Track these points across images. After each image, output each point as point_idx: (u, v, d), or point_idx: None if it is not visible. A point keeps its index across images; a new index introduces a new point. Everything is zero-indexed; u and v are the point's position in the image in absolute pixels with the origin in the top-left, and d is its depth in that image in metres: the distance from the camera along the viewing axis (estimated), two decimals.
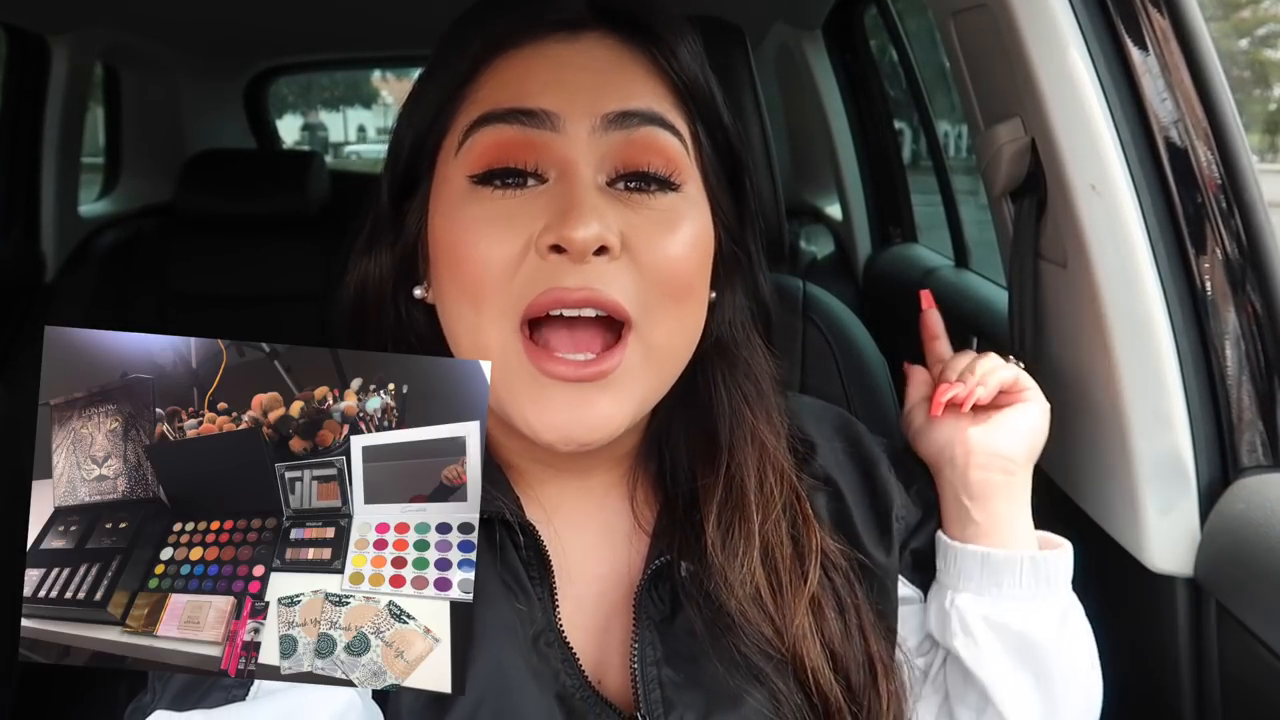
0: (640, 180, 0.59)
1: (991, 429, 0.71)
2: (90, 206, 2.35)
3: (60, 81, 1.99)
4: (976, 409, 0.71)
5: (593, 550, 0.67)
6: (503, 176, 0.58)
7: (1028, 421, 0.72)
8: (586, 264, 0.56)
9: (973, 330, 1.48)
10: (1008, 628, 0.67)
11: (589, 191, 0.57)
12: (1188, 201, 0.86)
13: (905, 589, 0.73)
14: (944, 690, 0.73)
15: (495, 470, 0.65)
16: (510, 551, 0.63)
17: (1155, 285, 0.86)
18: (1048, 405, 0.73)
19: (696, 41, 0.64)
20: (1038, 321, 1.01)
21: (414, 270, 0.65)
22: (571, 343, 0.58)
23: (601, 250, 0.56)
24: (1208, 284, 0.86)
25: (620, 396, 0.58)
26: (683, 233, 0.59)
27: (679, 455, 0.68)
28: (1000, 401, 0.72)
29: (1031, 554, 0.68)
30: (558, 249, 0.56)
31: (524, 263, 0.57)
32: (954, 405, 0.71)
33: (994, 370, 0.72)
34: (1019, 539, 0.70)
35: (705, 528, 0.65)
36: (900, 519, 0.72)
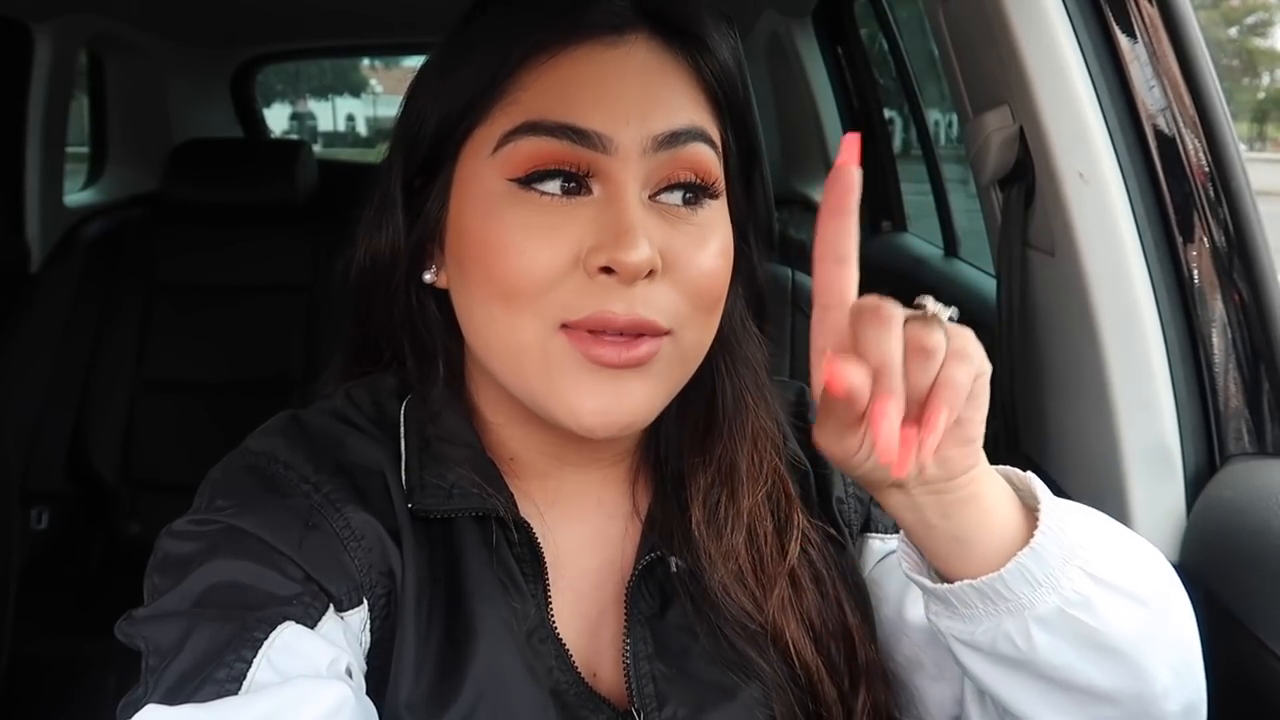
0: (678, 188, 0.59)
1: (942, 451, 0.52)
2: (76, 196, 2.33)
3: (44, 70, 1.97)
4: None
5: (588, 542, 0.68)
6: (548, 180, 0.58)
7: (980, 416, 0.53)
8: (633, 288, 0.56)
9: (960, 319, 1.49)
10: (977, 647, 0.57)
11: (638, 210, 0.57)
12: (1175, 190, 0.86)
13: (889, 541, 0.71)
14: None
15: (489, 465, 0.64)
16: (504, 548, 0.63)
17: (1143, 273, 0.86)
18: (987, 368, 0.52)
19: (734, 38, 0.64)
20: (1026, 310, 1.01)
21: (423, 254, 0.64)
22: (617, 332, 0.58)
23: (648, 273, 0.56)
24: (1195, 272, 0.86)
25: (653, 384, 0.59)
26: (714, 246, 0.60)
27: (671, 438, 0.69)
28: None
29: (973, 584, 0.55)
30: (608, 270, 0.56)
31: (569, 277, 0.57)
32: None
33: (951, 378, 0.48)
34: (997, 539, 0.55)
35: (691, 505, 0.65)
36: (848, 498, 0.71)
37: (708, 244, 0.59)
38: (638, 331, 0.57)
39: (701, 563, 0.64)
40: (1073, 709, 0.58)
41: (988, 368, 0.52)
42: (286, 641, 0.52)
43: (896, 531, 0.69)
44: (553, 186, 0.57)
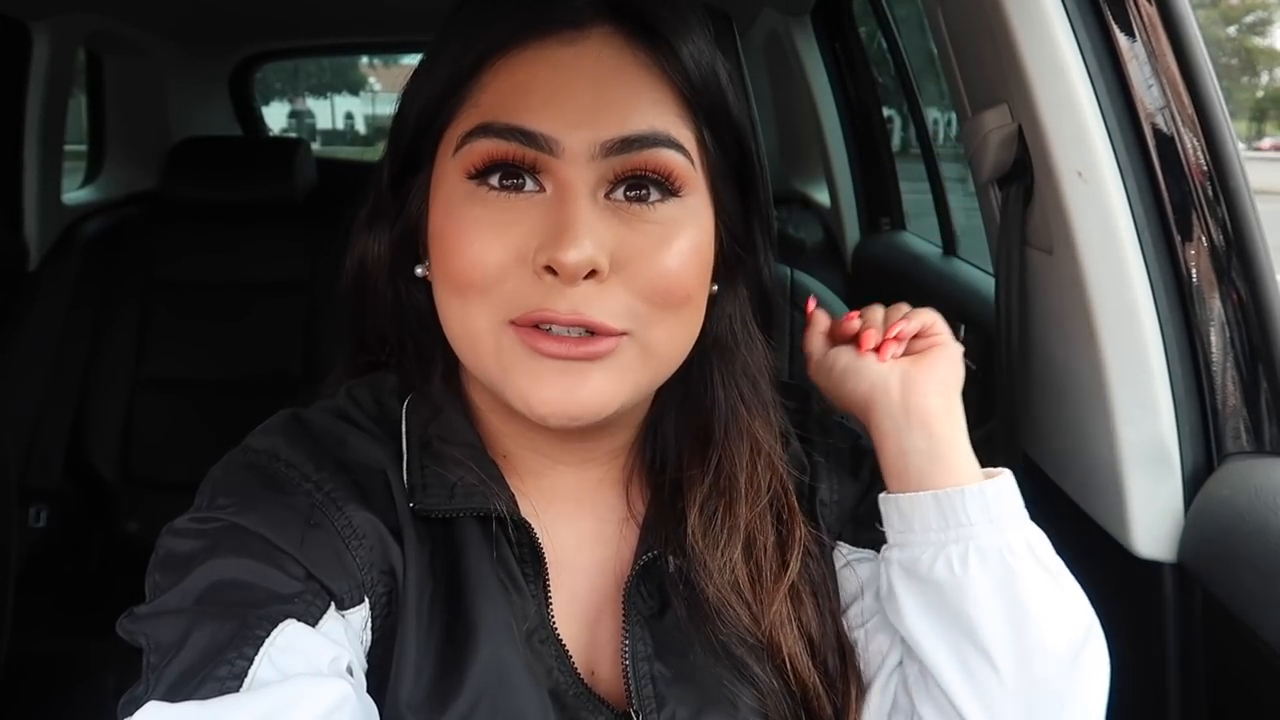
0: (639, 186, 0.58)
1: (919, 360, 0.69)
2: (74, 194, 2.33)
3: (42, 68, 1.96)
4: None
5: (585, 541, 0.68)
6: (501, 174, 0.58)
7: (948, 354, 0.70)
8: (576, 287, 0.56)
9: (960, 318, 1.49)
10: (915, 572, 0.64)
11: (584, 210, 0.56)
12: (1174, 189, 0.86)
13: (855, 553, 0.71)
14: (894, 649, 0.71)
15: (490, 464, 0.64)
16: (505, 548, 0.63)
17: (1141, 272, 0.86)
18: (960, 347, 0.72)
19: (705, 32, 0.62)
20: (1024, 309, 1.02)
21: (414, 249, 0.64)
22: (562, 329, 0.57)
23: (591, 273, 0.56)
24: (1193, 271, 0.86)
25: (613, 376, 0.58)
26: (679, 246, 0.58)
27: (669, 446, 0.68)
28: (916, 347, 0.71)
29: (935, 492, 0.64)
30: (551, 270, 0.56)
31: (516, 273, 0.57)
32: (876, 351, 0.71)
33: (911, 314, 0.72)
34: (960, 465, 0.66)
35: (687, 515, 0.65)
36: (831, 503, 0.71)
37: (670, 244, 0.58)
38: (586, 329, 0.56)
39: (698, 573, 0.64)
40: (974, 668, 0.62)
41: (941, 331, 0.72)
42: (288, 639, 0.52)
43: (867, 547, 0.70)
44: (497, 180, 0.57)
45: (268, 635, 0.52)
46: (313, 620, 0.54)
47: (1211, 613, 0.82)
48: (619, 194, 0.58)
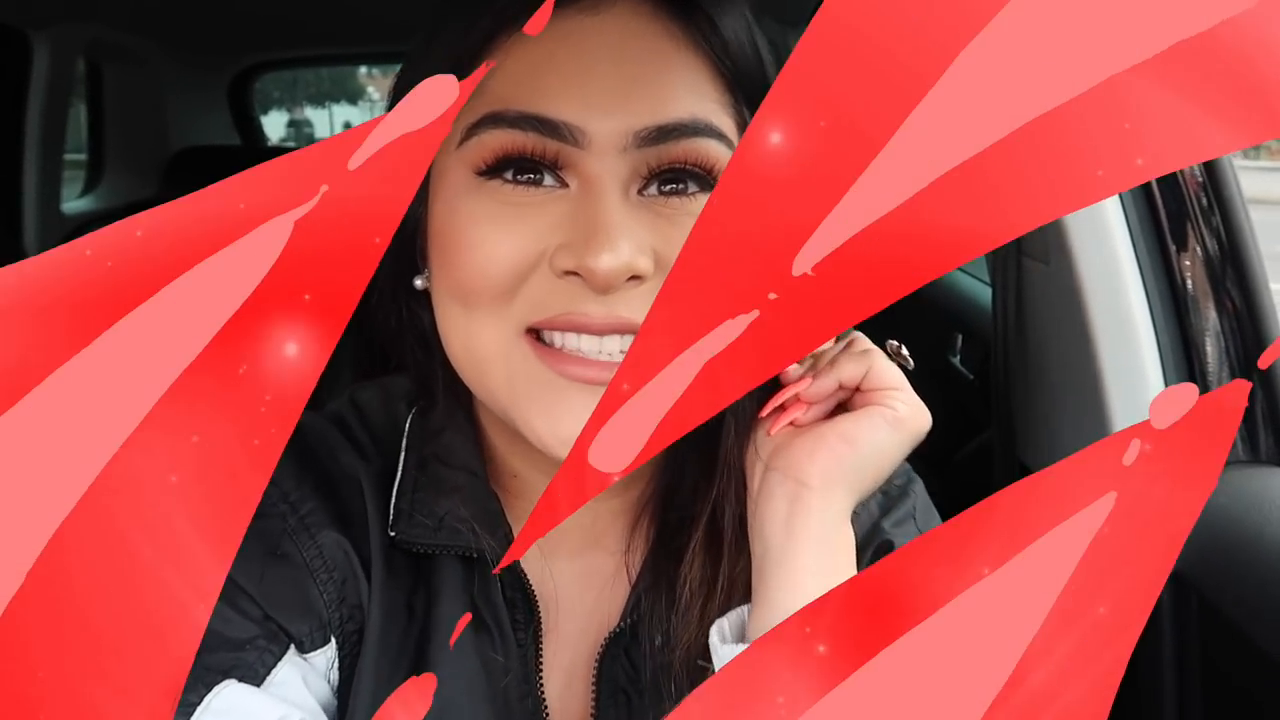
0: (676, 180, 0.50)
1: (789, 439, 0.53)
2: (73, 204, 2.33)
3: (42, 77, 1.97)
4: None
5: (584, 579, 0.60)
6: (517, 169, 0.49)
7: (850, 431, 0.52)
8: (613, 291, 0.48)
9: (956, 327, 1.49)
10: None
11: (617, 210, 0.48)
12: (1168, 199, 0.86)
13: None
14: None
15: (489, 498, 0.57)
16: (495, 590, 0.56)
17: (1136, 282, 0.87)
18: (904, 414, 0.52)
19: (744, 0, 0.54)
20: (1021, 318, 1.02)
21: (413, 259, 0.56)
22: (594, 344, 0.49)
23: (633, 277, 0.48)
24: (1188, 281, 0.87)
25: None
26: None
27: (684, 477, 0.59)
28: (855, 403, 0.54)
29: (719, 622, 0.53)
30: (575, 274, 0.48)
31: (533, 276, 0.49)
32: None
33: (826, 369, 0.53)
34: (790, 587, 0.50)
35: (683, 558, 0.57)
36: None
37: None
38: (623, 333, 0.49)
39: (678, 626, 0.56)
40: None
41: (881, 386, 0.53)
42: (226, 702, 0.48)
43: None
44: (510, 175, 0.49)
45: (201, 701, 0.47)
46: (265, 669, 0.50)
47: (1208, 622, 0.82)
48: (653, 190, 0.50)
